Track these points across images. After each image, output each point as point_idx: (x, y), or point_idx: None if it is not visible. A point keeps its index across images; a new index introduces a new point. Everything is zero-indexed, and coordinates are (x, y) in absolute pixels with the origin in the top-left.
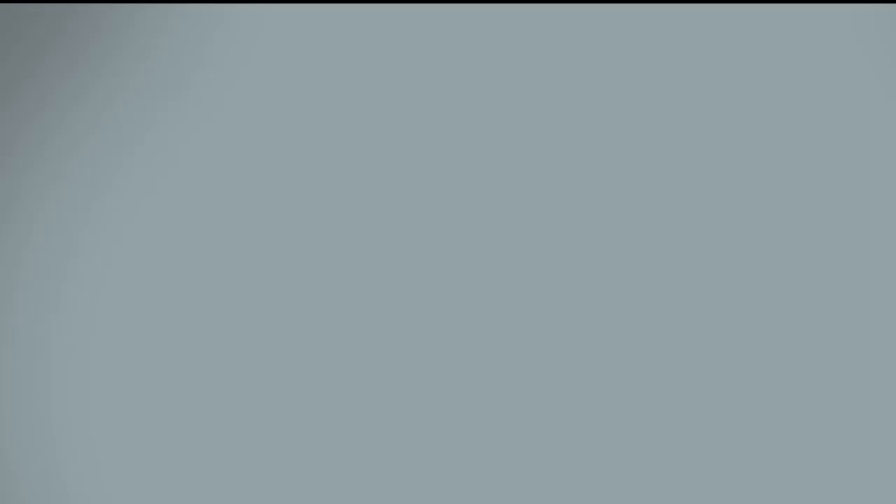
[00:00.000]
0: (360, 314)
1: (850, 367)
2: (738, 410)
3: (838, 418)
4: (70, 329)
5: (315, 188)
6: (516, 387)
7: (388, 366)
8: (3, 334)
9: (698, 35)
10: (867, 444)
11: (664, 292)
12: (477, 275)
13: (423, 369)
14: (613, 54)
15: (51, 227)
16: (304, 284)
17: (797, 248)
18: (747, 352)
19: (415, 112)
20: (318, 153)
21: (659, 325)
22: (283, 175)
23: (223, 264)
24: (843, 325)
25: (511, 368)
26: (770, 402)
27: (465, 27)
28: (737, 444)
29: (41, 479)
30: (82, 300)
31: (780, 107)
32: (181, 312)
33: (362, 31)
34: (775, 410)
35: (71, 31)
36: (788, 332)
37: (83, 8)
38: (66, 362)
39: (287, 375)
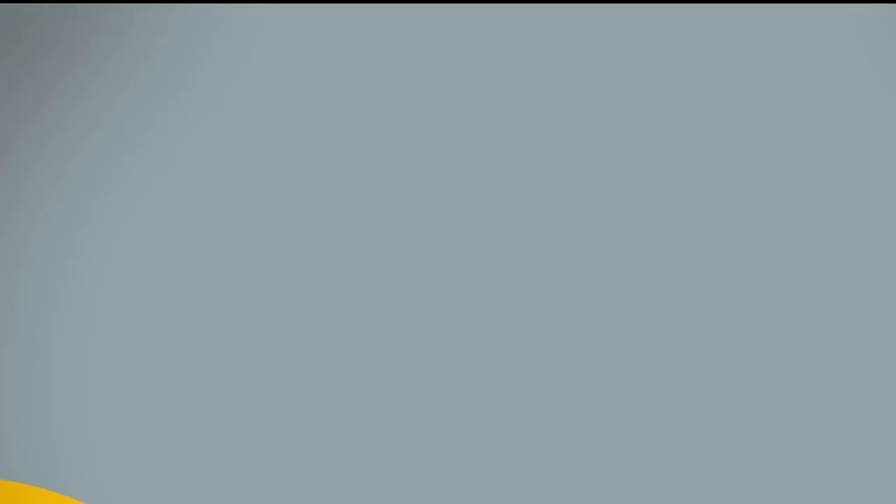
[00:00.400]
0: (360, 313)
1: (850, 366)
2: (736, 409)
3: (836, 417)
4: (70, 329)
5: (314, 188)
6: (515, 386)
7: (387, 365)
8: (3, 334)
9: (698, 35)
10: (867, 443)
11: (663, 291)
12: (476, 274)
13: (422, 368)
14: (613, 54)
15: (51, 227)
16: (304, 284)
17: (796, 246)
18: (746, 350)
19: (414, 112)
20: (318, 153)
21: (658, 324)
22: (282, 175)
23: (223, 264)
24: (841, 323)
25: (510, 368)
26: (769, 401)
27: (464, 27)
28: (736, 443)
29: (41, 479)
30: (82, 300)
31: (780, 106)
32: (180, 312)
33: (362, 32)
34: (774, 409)
35: (71, 31)
36: (787, 330)
37: (83, 8)
38: (66, 362)
39: (286, 375)
